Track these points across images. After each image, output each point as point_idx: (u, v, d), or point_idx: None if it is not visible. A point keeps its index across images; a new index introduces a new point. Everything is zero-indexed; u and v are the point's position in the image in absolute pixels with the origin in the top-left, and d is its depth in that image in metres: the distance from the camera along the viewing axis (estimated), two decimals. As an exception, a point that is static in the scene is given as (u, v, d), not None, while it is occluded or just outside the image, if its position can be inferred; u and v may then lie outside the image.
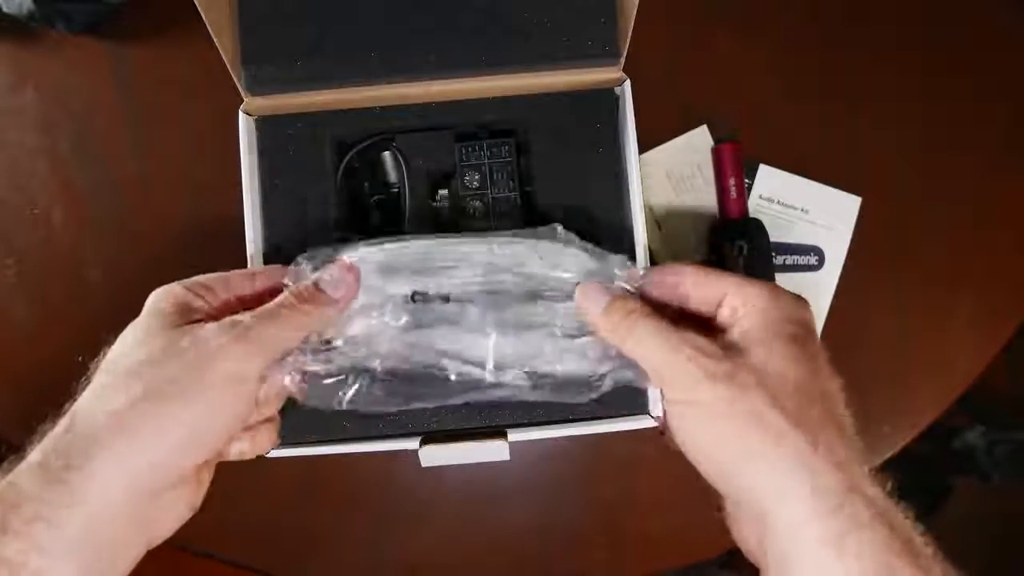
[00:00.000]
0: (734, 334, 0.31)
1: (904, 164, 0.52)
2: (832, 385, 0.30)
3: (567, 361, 0.35)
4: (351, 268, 0.35)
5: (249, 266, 0.39)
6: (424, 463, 0.38)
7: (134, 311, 0.33)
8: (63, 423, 0.29)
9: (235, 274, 0.35)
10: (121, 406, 0.28)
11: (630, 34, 0.40)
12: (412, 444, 0.38)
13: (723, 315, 0.32)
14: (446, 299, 0.36)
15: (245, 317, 0.31)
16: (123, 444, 0.28)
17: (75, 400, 0.30)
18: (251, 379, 0.31)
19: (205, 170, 0.51)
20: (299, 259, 0.37)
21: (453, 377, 0.36)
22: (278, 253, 0.40)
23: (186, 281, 0.33)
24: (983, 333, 0.52)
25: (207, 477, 0.33)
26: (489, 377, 0.35)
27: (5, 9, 0.49)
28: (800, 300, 0.32)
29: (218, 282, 0.34)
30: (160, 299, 0.32)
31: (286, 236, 0.41)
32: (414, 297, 0.36)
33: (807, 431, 0.28)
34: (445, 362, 0.36)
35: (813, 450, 0.27)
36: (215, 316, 0.32)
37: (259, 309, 0.32)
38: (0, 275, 0.51)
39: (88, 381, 0.30)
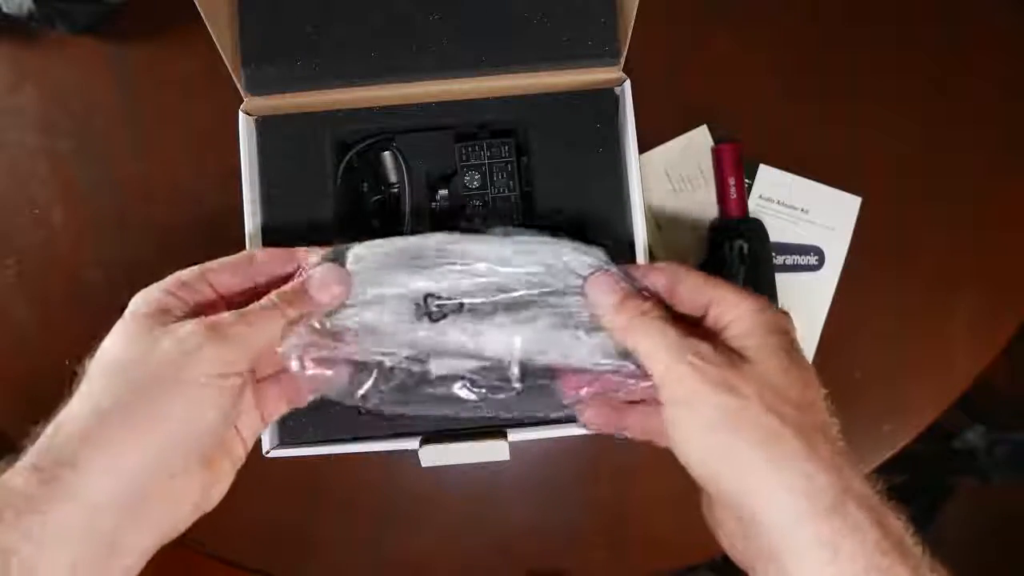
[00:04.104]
0: (731, 342, 0.31)
1: (904, 164, 0.52)
2: (819, 394, 0.31)
3: (577, 352, 0.35)
4: (341, 272, 0.35)
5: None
6: (424, 463, 0.38)
7: (134, 311, 0.33)
8: (54, 424, 0.29)
9: (212, 267, 0.34)
10: (107, 406, 0.29)
11: (630, 34, 0.40)
12: (412, 444, 0.39)
13: (709, 322, 0.33)
14: (460, 307, 0.36)
15: (225, 316, 0.32)
16: (111, 442, 0.29)
17: (67, 401, 0.30)
18: (231, 376, 0.31)
19: (205, 170, 0.51)
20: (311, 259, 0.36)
21: (464, 393, 0.36)
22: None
23: (164, 282, 0.33)
24: (983, 333, 0.52)
25: (226, 473, 0.34)
26: (515, 383, 0.35)
27: (5, 9, 0.49)
28: (786, 314, 0.33)
29: (194, 277, 0.34)
30: (139, 303, 0.32)
31: (286, 236, 0.41)
32: (427, 299, 0.36)
33: (802, 436, 0.28)
34: (458, 364, 0.35)
35: (808, 454, 0.28)
36: (196, 312, 0.33)
37: (243, 310, 0.32)
38: (0, 275, 0.51)
39: (79, 384, 0.31)
